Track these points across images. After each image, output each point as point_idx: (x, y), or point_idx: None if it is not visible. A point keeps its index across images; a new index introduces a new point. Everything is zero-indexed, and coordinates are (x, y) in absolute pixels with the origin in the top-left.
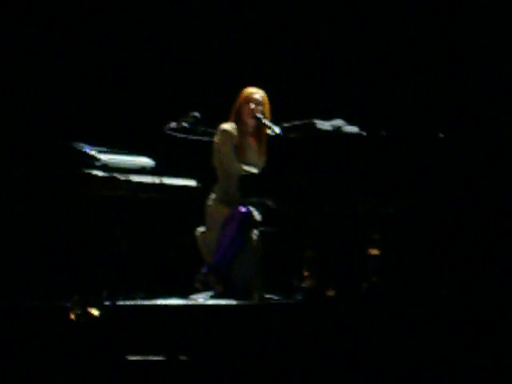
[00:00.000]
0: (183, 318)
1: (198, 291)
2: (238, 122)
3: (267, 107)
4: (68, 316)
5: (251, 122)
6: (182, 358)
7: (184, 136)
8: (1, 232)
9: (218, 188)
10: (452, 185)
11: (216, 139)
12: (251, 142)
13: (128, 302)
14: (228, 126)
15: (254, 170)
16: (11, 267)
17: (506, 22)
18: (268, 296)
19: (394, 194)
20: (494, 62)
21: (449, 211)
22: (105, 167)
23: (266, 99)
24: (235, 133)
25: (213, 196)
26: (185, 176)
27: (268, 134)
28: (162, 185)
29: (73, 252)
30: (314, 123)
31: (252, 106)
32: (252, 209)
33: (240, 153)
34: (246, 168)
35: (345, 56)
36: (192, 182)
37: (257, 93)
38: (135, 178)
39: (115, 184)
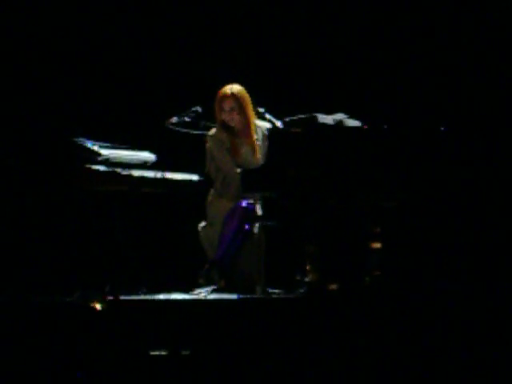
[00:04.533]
0: (185, 312)
1: (200, 286)
2: (223, 124)
3: (246, 101)
4: (73, 311)
5: (234, 123)
6: (184, 352)
7: (185, 130)
8: (2, 228)
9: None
10: (454, 178)
11: (207, 146)
12: (242, 138)
13: (130, 297)
14: (215, 131)
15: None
16: (13, 263)
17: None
18: (270, 290)
19: (396, 188)
20: (495, 56)
21: (450, 204)
22: (107, 162)
23: (241, 94)
24: (224, 136)
25: (214, 191)
26: (186, 170)
27: (268, 128)
28: (163, 179)
29: (75, 247)
30: (316, 117)
31: (224, 115)
32: (254, 203)
33: (234, 153)
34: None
35: (346, 50)
36: (194, 177)
37: (227, 97)
38: (137, 173)
39: (117, 179)
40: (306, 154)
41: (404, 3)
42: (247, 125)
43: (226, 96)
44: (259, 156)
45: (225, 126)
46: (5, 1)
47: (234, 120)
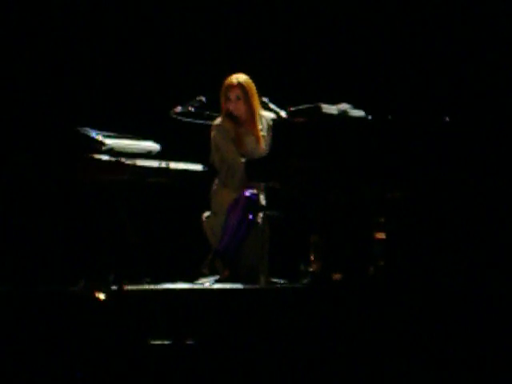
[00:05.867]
0: (189, 302)
1: (204, 276)
2: (228, 113)
3: (252, 91)
4: (77, 300)
5: (239, 112)
6: (189, 342)
7: (190, 120)
8: (8, 218)
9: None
10: (458, 168)
11: (212, 135)
12: (247, 128)
13: (134, 287)
14: (220, 121)
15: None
16: (17, 253)
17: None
18: (274, 280)
19: (400, 178)
20: (496, 49)
21: (455, 195)
22: (111, 152)
23: (247, 84)
24: (229, 125)
25: (218, 181)
26: (191, 160)
27: (272, 118)
28: (168, 169)
29: (79, 237)
30: (320, 107)
31: (229, 104)
32: (257, 193)
33: (239, 143)
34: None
35: (351, 40)
36: (198, 167)
37: (233, 86)
38: (141, 163)
39: (121, 168)
40: (310, 143)
41: None
42: (252, 115)
43: (231, 85)
44: (263, 146)
45: (230, 116)
46: None
47: (240, 110)
